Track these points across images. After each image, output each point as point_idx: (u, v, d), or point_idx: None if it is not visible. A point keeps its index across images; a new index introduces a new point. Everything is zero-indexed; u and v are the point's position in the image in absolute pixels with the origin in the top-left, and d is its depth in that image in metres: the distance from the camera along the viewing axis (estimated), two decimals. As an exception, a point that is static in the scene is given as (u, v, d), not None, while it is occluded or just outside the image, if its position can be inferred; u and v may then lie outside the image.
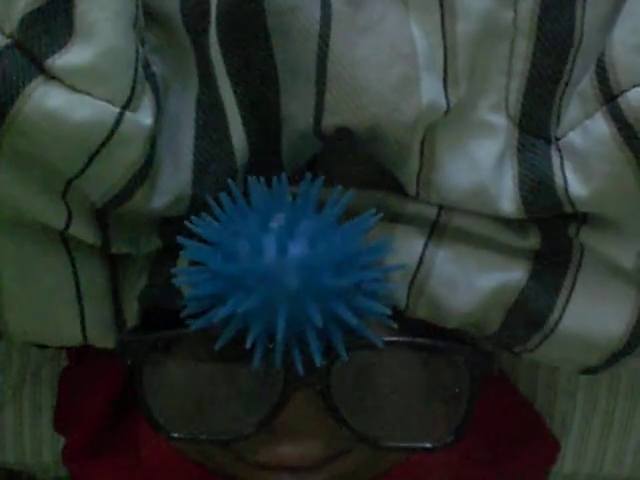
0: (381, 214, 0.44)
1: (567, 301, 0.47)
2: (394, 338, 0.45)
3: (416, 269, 0.46)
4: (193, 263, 0.44)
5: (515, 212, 0.45)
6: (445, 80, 0.45)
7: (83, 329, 0.47)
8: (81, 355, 0.54)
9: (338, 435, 0.45)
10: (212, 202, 0.43)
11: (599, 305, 0.47)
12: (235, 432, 0.45)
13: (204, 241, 0.43)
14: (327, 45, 0.43)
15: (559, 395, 0.57)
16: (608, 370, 0.49)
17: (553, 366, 0.55)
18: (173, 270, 0.44)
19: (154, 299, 0.47)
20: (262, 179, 0.43)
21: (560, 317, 0.46)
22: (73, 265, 0.46)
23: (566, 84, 0.45)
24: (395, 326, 0.43)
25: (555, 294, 0.47)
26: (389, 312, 0.43)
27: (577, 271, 0.47)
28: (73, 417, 0.55)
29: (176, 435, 0.45)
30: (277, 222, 0.42)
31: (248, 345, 0.41)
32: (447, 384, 0.46)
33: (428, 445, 0.46)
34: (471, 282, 0.46)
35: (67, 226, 0.44)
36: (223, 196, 0.43)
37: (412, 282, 0.46)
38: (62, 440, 0.56)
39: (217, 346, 0.42)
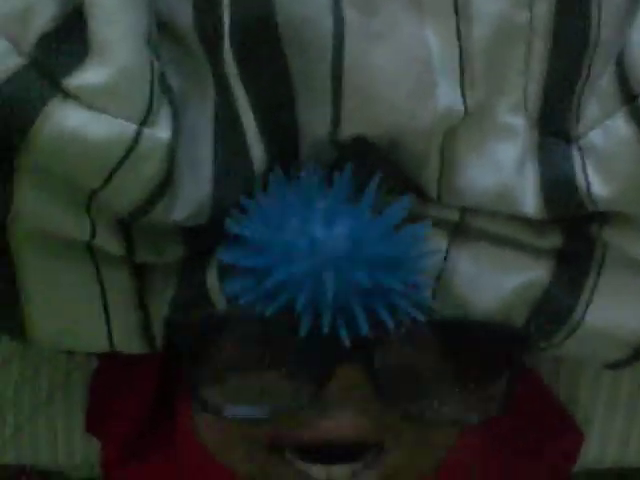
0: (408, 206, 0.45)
1: (590, 298, 0.47)
2: (436, 315, 0.45)
3: (439, 268, 0.46)
4: (223, 270, 0.45)
5: (538, 213, 0.45)
6: (462, 84, 0.44)
7: (110, 336, 0.47)
8: (112, 357, 0.55)
9: (383, 416, 0.45)
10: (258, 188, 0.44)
11: (623, 301, 0.47)
12: (285, 405, 0.45)
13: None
14: (341, 55, 0.43)
15: (582, 385, 0.57)
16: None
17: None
18: (218, 254, 0.45)
19: (185, 308, 0.47)
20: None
21: (584, 314, 0.47)
22: (99, 274, 0.46)
23: (584, 83, 0.45)
24: (433, 304, 0.45)
25: (578, 292, 0.47)
26: (432, 283, 0.45)
27: (600, 268, 0.47)
28: (106, 423, 0.55)
29: (228, 414, 0.45)
30: (322, 203, 0.43)
31: (299, 308, 0.42)
32: (487, 360, 0.47)
33: (473, 417, 0.46)
34: (494, 282, 0.46)
35: (92, 237, 0.44)
36: (270, 179, 0.45)
37: (437, 282, 0.46)
38: (94, 441, 0.57)
39: (267, 312, 0.43)
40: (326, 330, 0.43)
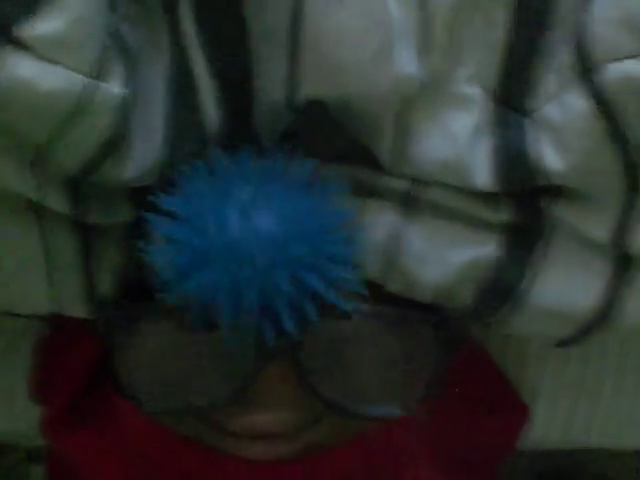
0: (346, 184, 0.44)
1: (537, 274, 0.46)
2: (363, 307, 0.45)
3: (386, 243, 0.46)
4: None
5: (489, 185, 0.45)
6: (420, 51, 0.44)
7: (52, 297, 0.46)
8: (59, 323, 0.53)
9: (311, 404, 0.45)
10: (178, 176, 0.43)
11: (570, 278, 0.46)
12: (209, 402, 0.45)
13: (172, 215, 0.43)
14: (301, 15, 0.42)
15: (529, 362, 0.57)
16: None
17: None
18: (140, 246, 0.43)
19: (130, 273, 0.47)
20: (228, 152, 0.43)
21: (529, 289, 0.46)
22: (42, 233, 0.45)
23: (543, 56, 0.45)
24: (366, 294, 0.44)
25: (524, 266, 0.46)
26: (358, 278, 0.43)
27: (548, 244, 0.46)
28: (49, 386, 0.54)
29: (150, 407, 0.46)
30: (243, 194, 0.42)
31: (217, 318, 0.41)
32: (417, 353, 0.47)
33: (398, 411, 0.47)
34: (443, 257, 0.46)
35: (36, 194, 0.43)
36: (189, 169, 0.43)
37: (383, 256, 0.46)
38: (37, 410, 0.56)
39: (186, 320, 0.43)
40: (249, 338, 0.42)
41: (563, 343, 0.50)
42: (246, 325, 0.42)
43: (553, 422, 0.58)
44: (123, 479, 0.51)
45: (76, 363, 0.53)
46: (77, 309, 0.47)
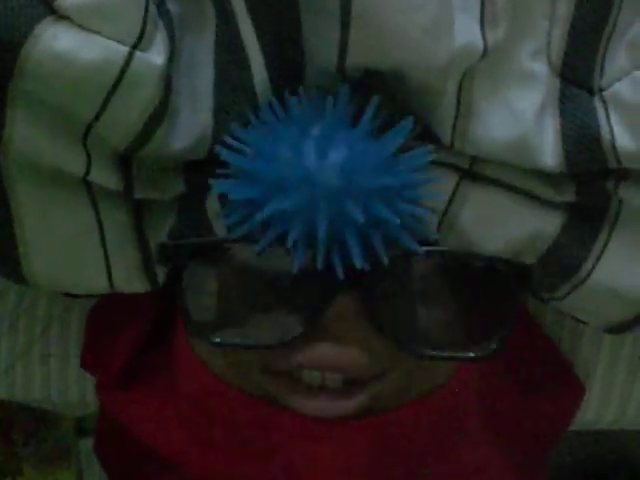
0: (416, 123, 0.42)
1: (601, 253, 0.45)
2: (433, 247, 0.43)
3: (448, 202, 0.44)
4: (224, 200, 0.44)
5: (557, 166, 0.43)
6: (482, 21, 0.41)
7: (109, 276, 0.46)
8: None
9: (379, 348, 0.44)
10: (250, 112, 0.42)
11: (635, 260, 0.45)
12: (277, 337, 0.44)
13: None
14: None
15: (584, 343, 0.56)
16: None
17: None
18: (210, 180, 0.42)
19: (185, 237, 0.45)
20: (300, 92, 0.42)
21: (592, 268, 0.45)
22: (96, 210, 0.44)
23: (611, 32, 0.42)
24: (436, 236, 0.43)
25: (589, 247, 0.45)
26: (430, 214, 0.42)
27: (613, 225, 0.45)
28: (103, 352, 0.54)
29: (217, 340, 0.44)
30: (316, 130, 0.41)
31: (289, 244, 0.40)
32: (487, 295, 0.45)
33: (470, 354, 0.45)
34: (503, 225, 0.44)
35: (87, 172, 0.42)
36: (263, 105, 0.42)
37: (443, 215, 0.44)
38: (89, 379, 0.56)
39: (258, 249, 0.42)
40: (320, 266, 0.41)
41: (617, 328, 0.48)
42: (317, 255, 0.41)
43: (608, 403, 0.57)
44: (179, 432, 0.50)
45: (128, 330, 0.53)
46: (135, 284, 0.46)
